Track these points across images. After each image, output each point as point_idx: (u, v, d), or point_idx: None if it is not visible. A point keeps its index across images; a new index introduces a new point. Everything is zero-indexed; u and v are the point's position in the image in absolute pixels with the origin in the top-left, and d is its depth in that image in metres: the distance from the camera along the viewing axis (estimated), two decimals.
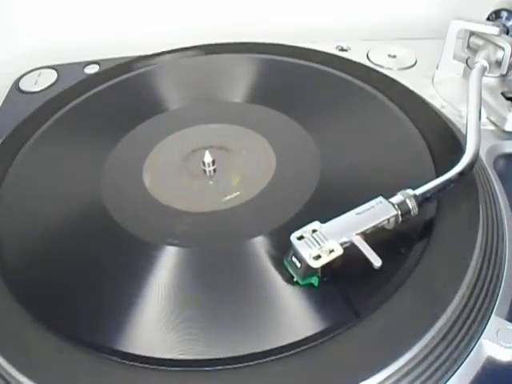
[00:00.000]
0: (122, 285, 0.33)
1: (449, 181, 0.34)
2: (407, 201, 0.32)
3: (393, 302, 0.30)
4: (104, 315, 0.31)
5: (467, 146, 0.36)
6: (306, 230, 0.31)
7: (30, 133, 0.45)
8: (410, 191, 0.33)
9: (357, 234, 0.30)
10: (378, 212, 0.32)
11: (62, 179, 0.41)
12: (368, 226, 0.31)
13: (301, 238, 0.31)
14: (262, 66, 0.50)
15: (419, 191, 0.33)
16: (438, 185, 0.33)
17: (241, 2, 0.61)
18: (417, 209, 0.32)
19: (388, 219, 0.32)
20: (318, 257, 0.30)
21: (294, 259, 0.31)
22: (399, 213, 0.32)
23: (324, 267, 0.30)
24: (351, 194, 0.35)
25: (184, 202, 0.38)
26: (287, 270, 0.32)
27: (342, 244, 0.30)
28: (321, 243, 0.30)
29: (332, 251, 0.30)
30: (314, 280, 0.31)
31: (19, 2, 0.59)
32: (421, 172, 0.37)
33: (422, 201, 0.32)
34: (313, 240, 0.30)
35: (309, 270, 0.30)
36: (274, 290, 0.32)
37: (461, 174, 0.34)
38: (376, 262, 0.29)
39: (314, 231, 0.31)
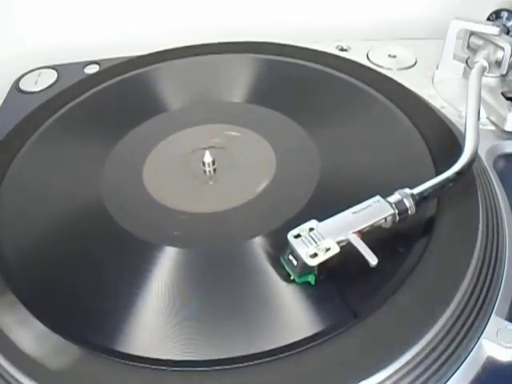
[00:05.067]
0: (122, 285, 0.33)
1: (447, 180, 0.34)
2: (404, 200, 0.32)
3: (392, 302, 0.30)
4: (104, 315, 0.31)
5: (465, 146, 0.36)
6: (302, 229, 0.31)
7: (29, 132, 0.45)
8: (407, 190, 0.33)
9: (353, 233, 0.31)
10: (375, 211, 0.32)
11: (62, 179, 0.41)
12: (365, 224, 0.31)
13: (298, 236, 0.31)
14: (262, 66, 0.50)
15: (417, 190, 0.33)
16: (436, 184, 0.33)
17: (241, 2, 0.62)
18: (414, 208, 0.32)
19: (385, 218, 0.32)
20: (315, 255, 0.30)
21: (290, 257, 0.31)
22: (396, 212, 0.32)
23: (321, 265, 0.30)
24: (351, 194, 0.35)
25: (184, 202, 0.38)
26: (284, 268, 0.32)
27: (338, 242, 0.30)
28: (317, 241, 0.30)
29: (328, 249, 0.30)
30: (311, 278, 0.31)
31: (19, 2, 0.59)
32: (420, 172, 0.37)
33: (420, 200, 0.32)
34: (309, 238, 0.30)
35: (305, 268, 0.30)
36: (274, 290, 0.32)
37: (459, 173, 0.34)
38: (372, 260, 0.29)
39: (311, 229, 0.31)
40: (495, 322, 0.31)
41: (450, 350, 0.29)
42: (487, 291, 0.32)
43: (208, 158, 0.40)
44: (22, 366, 0.29)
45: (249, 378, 0.28)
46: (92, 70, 0.55)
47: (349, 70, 0.48)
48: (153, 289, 0.32)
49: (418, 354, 0.28)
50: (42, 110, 0.47)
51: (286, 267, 0.32)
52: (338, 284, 0.31)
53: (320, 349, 0.28)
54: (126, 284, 0.33)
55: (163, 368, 0.28)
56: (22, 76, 0.56)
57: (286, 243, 0.31)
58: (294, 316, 0.31)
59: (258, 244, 0.34)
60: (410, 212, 0.32)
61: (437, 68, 0.50)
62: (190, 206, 0.38)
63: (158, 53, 0.52)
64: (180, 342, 0.30)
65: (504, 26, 0.46)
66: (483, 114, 0.44)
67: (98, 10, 0.60)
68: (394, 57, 0.54)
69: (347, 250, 0.30)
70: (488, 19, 0.48)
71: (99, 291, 0.33)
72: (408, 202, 0.32)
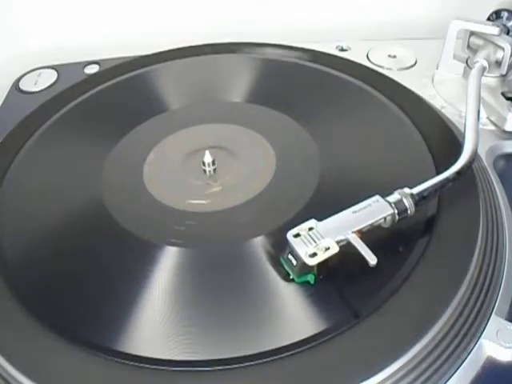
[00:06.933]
0: (122, 285, 0.33)
1: (446, 180, 0.34)
2: (404, 199, 0.32)
3: (393, 302, 0.30)
4: (104, 315, 0.31)
5: (465, 146, 0.36)
6: (302, 228, 0.31)
7: (29, 132, 0.45)
8: (407, 190, 0.33)
9: (353, 232, 0.31)
10: (375, 210, 0.32)
11: (63, 179, 0.41)
12: (364, 224, 0.31)
13: (297, 235, 0.31)
14: (262, 66, 0.50)
15: (416, 190, 0.33)
16: (436, 184, 0.33)
17: (241, 1, 0.62)
18: (414, 208, 0.32)
19: (384, 218, 0.32)
20: (314, 254, 0.30)
21: (290, 257, 0.31)
22: (396, 211, 0.32)
23: (320, 265, 0.30)
24: (351, 194, 0.35)
25: (184, 201, 0.38)
26: (283, 268, 0.32)
27: (338, 242, 0.30)
28: (317, 241, 0.30)
29: (328, 249, 0.30)
30: (310, 277, 0.31)
31: (20, 2, 0.59)
32: (421, 172, 0.37)
33: (419, 200, 0.32)
34: (309, 238, 0.30)
35: (305, 268, 0.30)
36: (274, 290, 0.32)
37: (458, 173, 0.34)
38: (371, 260, 0.29)
39: (311, 229, 0.31)
40: (495, 322, 0.31)
41: (449, 350, 0.29)
42: (487, 291, 0.32)
43: (208, 158, 0.40)
44: (22, 366, 0.29)
45: (249, 378, 0.28)
46: (92, 70, 0.55)
47: (349, 69, 0.48)
48: (153, 288, 0.32)
49: (418, 353, 0.28)
50: (42, 110, 0.47)
51: (286, 267, 0.32)
52: (338, 284, 0.31)
53: (320, 349, 0.28)
54: (127, 283, 0.33)
55: (163, 368, 0.28)
56: (22, 76, 0.56)
57: (286, 243, 0.31)
58: (293, 316, 0.31)
59: (259, 244, 0.34)
60: (409, 212, 0.32)
61: (437, 68, 0.51)
62: (190, 205, 0.38)
63: (158, 53, 0.52)
64: (180, 341, 0.30)
65: (504, 26, 0.46)
66: (483, 114, 0.44)
67: (98, 10, 0.61)
68: (394, 57, 0.54)
69: (347, 249, 0.30)
70: (488, 19, 0.48)
71: (99, 291, 0.33)
72: (407, 202, 0.32)
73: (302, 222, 0.31)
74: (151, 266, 0.33)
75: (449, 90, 0.49)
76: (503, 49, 0.45)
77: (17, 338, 0.30)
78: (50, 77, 0.55)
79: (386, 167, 0.39)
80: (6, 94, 0.54)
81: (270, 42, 0.52)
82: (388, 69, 0.52)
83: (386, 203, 0.32)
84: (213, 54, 0.52)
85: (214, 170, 0.40)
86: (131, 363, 0.29)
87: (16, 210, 0.39)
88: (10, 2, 0.59)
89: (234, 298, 0.32)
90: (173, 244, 0.35)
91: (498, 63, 0.46)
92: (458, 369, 0.29)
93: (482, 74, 0.44)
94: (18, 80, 0.55)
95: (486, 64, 0.44)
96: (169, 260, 0.34)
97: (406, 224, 0.33)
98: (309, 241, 0.30)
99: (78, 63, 0.56)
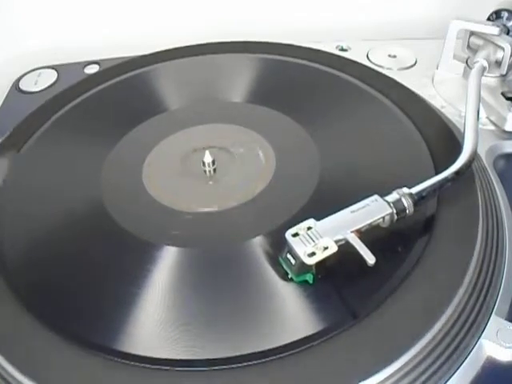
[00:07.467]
0: (122, 285, 0.33)
1: (445, 180, 0.34)
2: (403, 199, 0.32)
3: (392, 302, 0.30)
4: (104, 315, 0.31)
5: (464, 146, 0.36)
6: (300, 227, 0.31)
7: (29, 133, 0.45)
8: (405, 189, 0.33)
9: (351, 232, 0.30)
10: (373, 210, 0.32)
11: (62, 179, 0.41)
12: (363, 223, 0.31)
13: (296, 235, 0.31)
14: (262, 66, 0.50)
15: (415, 190, 0.33)
16: (435, 183, 0.33)
17: (241, 1, 0.62)
18: (412, 207, 0.32)
19: (383, 217, 0.32)
20: (313, 254, 0.30)
21: (288, 256, 0.31)
22: (394, 211, 0.32)
23: (318, 264, 0.30)
24: (351, 194, 0.35)
25: (184, 202, 0.38)
26: (282, 267, 0.32)
27: (336, 241, 0.30)
28: (315, 240, 0.30)
29: (326, 248, 0.30)
30: (309, 277, 0.31)
31: (20, 2, 0.60)
32: (420, 172, 0.37)
33: (418, 199, 0.32)
34: (307, 237, 0.30)
35: (303, 267, 0.30)
36: (273, 290, 0.32)
37: (457, 173, 0.34)
38: (370, 259, 0.29)
39: (309, 228, 0.31)
40: (495, 322, 0.31)
41: (450, 350, 0.29)
42: (487, 291, 0.32)
43: (208, 158, 0.40)
44: (22, 366, 0.29)
45: (248, 378, 0.28)
46: (92, 70, 0.55)
47: (349, 69, 0.48)
48: (152, 288, 0.32)
49: (418, 353, 0.28)
50: (42, 111, 0.47)
51: (284, 266, 0.32)
52: (336, 283, 0.31)
53: (319, 349, 0.28)
54: (126, 283, 0.33)
55: (163, 368, 0.28)
56: (22, 76, 0.56)
57: (285, 242, 0.31)
58: (292, 316, 0.31)
59: (258, 244, 0.34)
60: (407, 211, 0.32)
61: (437, 68, 0.51)
62: (190, 205, 0.38)
63: (157, 53, 0.52)
64: (179, 341, 0.30)
65: (504, 26, 0.46)
66: (483, 114, 0.44)
67: (98, 10, 0.61)
68: (394, 57, 0.54)
69: (346, 249, 0.30)
70: (488, 19, 0.48)
71: (99, 291, 0.33)
72: (406, 202, 0.32)
73: (301, 221, 0.31)
74: (150, 265, 0.33)
75: (449, 90, 0.49)
76: (503, 49, 0.45)
77: (17, 337, 0.30)
78: (50, 77, 0.55)
79: (386, 167, 0.39)
80: (6, 94, 0.54)
81: (269, 41, 0.52)
82: (388, 69, 0.52)
83: (385, 203, 0.32)
84: (212, 53, 0.52)
85: (214, 170, 0.40)
86: (131, 363, 0.29)
87: (16, 210, 0.39)
88: (9, 2, 0.59)
89: (232, 298, 0.32)
90: (172, 244, 0.35)
91: (498, 63, 0.46)
92: (458, 369, 0.29)
93: (482, 74, 0.44)
94: (18, 80, 0.55)
95: (486, 64, 0.44)
96: (168, 260, 0.34)
97: (405, 224, 0.33)
98: (307, 240, 0.30)
99: (78, 63, 0.56)
